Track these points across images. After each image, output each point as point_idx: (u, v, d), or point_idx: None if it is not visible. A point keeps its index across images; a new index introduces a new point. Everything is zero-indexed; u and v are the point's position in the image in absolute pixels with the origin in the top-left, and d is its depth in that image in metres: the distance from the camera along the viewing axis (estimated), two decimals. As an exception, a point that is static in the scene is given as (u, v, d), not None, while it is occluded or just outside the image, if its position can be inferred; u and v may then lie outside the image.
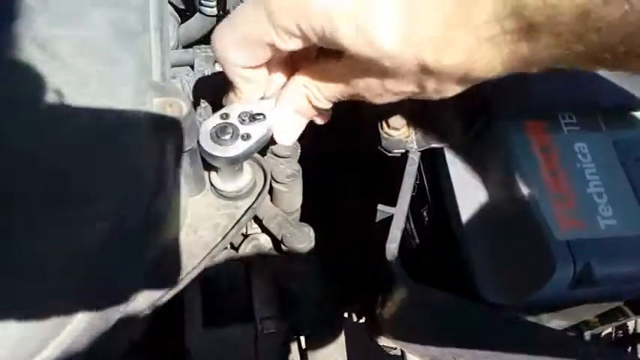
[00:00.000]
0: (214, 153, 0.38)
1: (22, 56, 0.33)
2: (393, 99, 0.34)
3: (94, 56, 0.34)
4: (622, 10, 0.22)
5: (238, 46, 0.34)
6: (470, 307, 0.42)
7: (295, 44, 0.32)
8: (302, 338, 0.86)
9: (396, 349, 0.99)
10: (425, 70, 0.29)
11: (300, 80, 0.37)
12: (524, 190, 0.42)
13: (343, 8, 0.28)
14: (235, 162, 0.40)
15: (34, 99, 0.32)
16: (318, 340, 0.79)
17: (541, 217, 0.40)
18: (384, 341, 1.01)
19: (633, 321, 0.68)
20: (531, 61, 0.27)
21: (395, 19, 0.27)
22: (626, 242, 0.41)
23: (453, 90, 0.31)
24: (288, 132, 0.40)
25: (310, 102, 0.38)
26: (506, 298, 0.42)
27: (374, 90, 0.33)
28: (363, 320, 1.11)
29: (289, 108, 0.39)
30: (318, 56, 0.37)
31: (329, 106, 0.38)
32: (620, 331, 0.69)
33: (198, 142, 0.38)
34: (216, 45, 0.35)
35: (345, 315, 1.12)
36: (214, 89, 0.57)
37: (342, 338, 0.84)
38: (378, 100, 0.34)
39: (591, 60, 0.26)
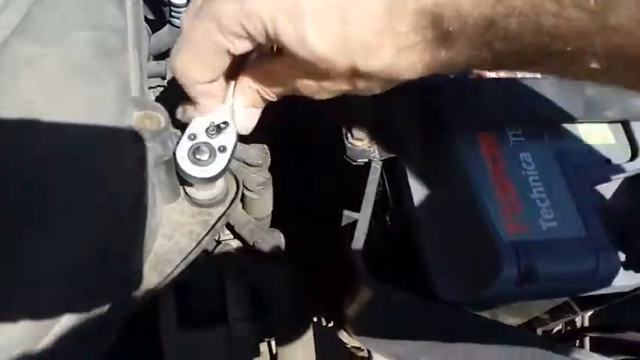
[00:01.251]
0: (203, 176, 0.40)
1: (7, 71, 0.35)
2: (330, 95, 0.37)
3: (77, 74, 0.36)
4: (519, 21, 0.26)
5: (198, 63, 0.36)
6: (428, 305, 0.46)
7: (244, 46, 0.34)
8: (273, 342, 0.89)
9: (363, 350, 1.02)
10: (355, 73, 0.32)
11: (247, 81, 0.39)
12: (475, 196, 0.46)
13: (283, 10, 0.30)
14: (222, 175, 0.41)
15: (17, 114, 0.34)
16: (288, 344, 0.82)
17: (489, 221, 0.45)
18: (351, 343, 1.04)
19: (580, 316, 0.74)
20: (449, 64, 0.30)
21: (329, 27, 0.30)
22: (565, 243, 0.45)
23: (382, 87, 0.35)
24: (246, 123, 0.42)
25: (260, 95, 0.40)
26: (459, 296, 0.46)
27: (311, 88, 0.36)
28: (331, 324, 1.14)
29: (243, 104, 0.41)
30: (261, 57, 0.39)
31: (276, 98, 0.40)
32: (569, 327, 0.75)
33: (181, 171, 0.40)
34: (177, 66, 0.36)
35: (315, 319, 1.15)
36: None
37: (311, 341, 0.87)
38: (317, 97, 0.38)
39: (496, 64, 0.30)
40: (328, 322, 1.18)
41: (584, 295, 0.54)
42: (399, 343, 0.64)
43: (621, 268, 0.49)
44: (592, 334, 0.70)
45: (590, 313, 0.74)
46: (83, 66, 0.37)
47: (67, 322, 0.32)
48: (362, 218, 0.48)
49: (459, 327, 0.49)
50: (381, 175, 0.52)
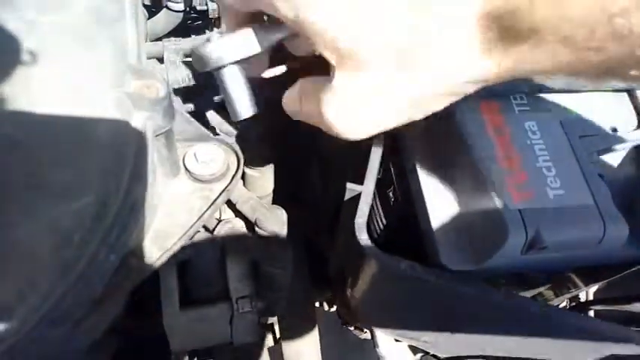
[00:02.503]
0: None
1: (7, 44, 0.34)
2: None
3: (75, 40, 0.35)
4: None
5: None
6: (433, 273, 0.45)
7: None
8: (277, 328, 0.89)
9: (365, 332, 1.02)
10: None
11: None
12: (479, 165, 0.45)
13: None
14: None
15: (17, 79, 0.33)
16: (292, 328, 0.81)
17: (495, 189, 0.44)
18: (353, 326, 1.04)
19: (585, 292, 0.73)
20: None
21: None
22: (572, 211, 0.45)
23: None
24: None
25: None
26: (465, 264, 0.45)
27: None
28: (334, 309, 1.14)
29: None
30: None
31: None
32: (573, 303, 0.74)
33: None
34: None
35: (317, 305, 1.15)
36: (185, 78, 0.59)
37: (314, 326, 0.87)
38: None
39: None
40: (330, 306, 1.18)
41: (591, 265, 0.54)
42: (402, 322, 0.64)
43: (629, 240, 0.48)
44: (596, 308, 0.70)
45: (594, 288, 0.73)
46: (81, 32, 0.36)
47: (69, 289, 0.31)
48: (365, 191, 0.48)
49: (468, 298, 0.48)
50: (384, 147, 0.52)
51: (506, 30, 0.27)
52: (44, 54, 0.34)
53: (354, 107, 0.32)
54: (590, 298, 0.74)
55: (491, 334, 0.54)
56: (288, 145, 0.57)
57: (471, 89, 0.31)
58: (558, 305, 0.75)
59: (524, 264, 0.45)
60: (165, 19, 0.84)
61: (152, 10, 0.96)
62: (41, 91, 0.33)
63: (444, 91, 0.31)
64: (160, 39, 0.84)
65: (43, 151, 0.32)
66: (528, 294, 0.68)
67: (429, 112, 0.33)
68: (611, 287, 0.76)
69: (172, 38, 0.74)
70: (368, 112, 0.32)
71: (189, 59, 0.62)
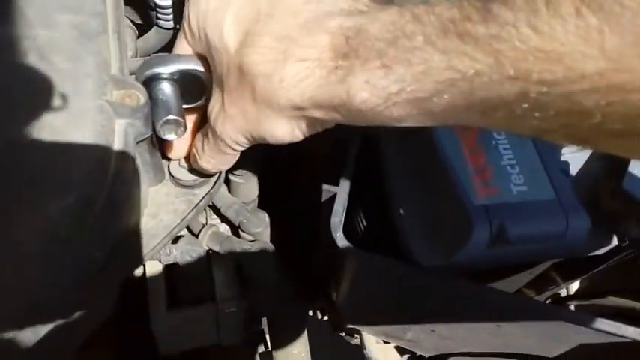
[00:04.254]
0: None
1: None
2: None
3: (59, 54, 0.38)
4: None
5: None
6: (407, 269, 0.47)
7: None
8: (267, 337, 0.91)
9: (356, 337, 1.04)
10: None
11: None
12: (446, 164, 0.48)
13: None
14: None
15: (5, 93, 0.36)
16: (283, 336, 0.83)
17: (461, 186, 0.46)
18: (344, 331, 1.06)
19: (565, 289, 0.75)
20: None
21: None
22: (535, 205, 0.47)
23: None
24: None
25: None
26: (436, 259, 0.47)
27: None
28: (326, 317, 1.16)
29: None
30: None
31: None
32: (551, 300, 0.76)
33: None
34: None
35: (310, 313, 1.17)
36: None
37: (304, 334, 0.88)
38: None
39: None
40: (323, 315, 1.20)
41: (559, 259, 0.56)
42: (385, 320, 0.66)
43: (592, 234, 0.51)
44: (575, 302, 0.72)
45: (574, 284, 0.76)
46: (64, 47, 0.39)
47: (49, 277, 0.33)
48: (340, 191, 0.50)
49: (439, 291, 0.50)
50: (360, 150, 0.54)
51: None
52: (30, 67, 0.37)
53: (222, 114, 0.40)
54: (571, 294, 0.76)
55: (466, 328, 0.56)
56: (271, 152, 0.60)
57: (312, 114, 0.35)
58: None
59: (491, 257, 0.47)
60: (155, 37, 0.87)
61: (143, 28, 0.99)
62: (28, 101, 0.36)
63: (273, 113, 0.36)
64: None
65: (31, 154, 0.35)
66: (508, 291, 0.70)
67: (267, 131, 0.38)
68: (591, 283, 0.78)
69: (160, 54, 0.77)
70: (226, 121, 0.40)
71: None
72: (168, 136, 0.43)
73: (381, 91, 0.29)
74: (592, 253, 0.53)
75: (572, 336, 0.52)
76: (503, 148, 0.50)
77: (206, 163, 0.46)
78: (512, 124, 0.26)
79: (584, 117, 0.23)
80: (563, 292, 0.76)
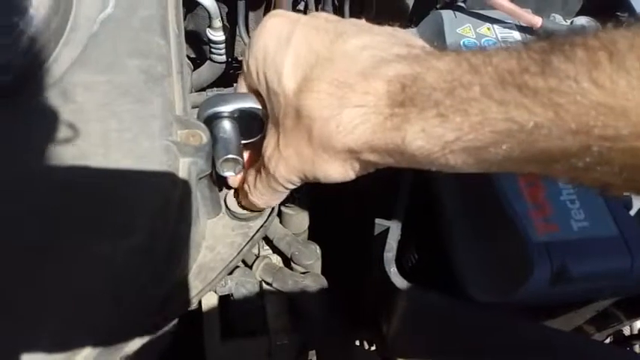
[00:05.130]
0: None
1: (69, 97, 0.40)
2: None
3: (127, 96, 0.40)
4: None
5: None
6: (462, 306, 0.47)
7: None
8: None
9: (405, 370, 1.02)
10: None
11: None
12: (505, 201, 0.47)
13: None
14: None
15: (78, 132, 0.38)
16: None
17: (520, 222, 0.46)
18: (393, 363, 1.04)
19: (629, 326, 0.72)
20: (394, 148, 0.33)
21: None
22: (597, 242, 0.46)
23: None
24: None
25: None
26: (493, 297, 0.46)
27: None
28: (374, 348, 1.14)
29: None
30: None
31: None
32: (613, 337, 0.73)
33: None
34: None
35: (357, 343, 1.15)
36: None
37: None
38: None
39: None
40: (370, 345, 1.18)
41: (624, 296, 0.54)
42: (437, 356, 0.65)
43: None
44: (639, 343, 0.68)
45: (639, 323, 0.72)
46: (133, 90, 0.41)
47: (119, 328, 0.35)
48: (394, 225, 0.50)
49: (495, 331, 0.49)
50: (413, 184, 0.54)
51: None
52: (103, 109, 0.39)
53: (277, 154, 0.41)
54: (635, 332, 0.73)
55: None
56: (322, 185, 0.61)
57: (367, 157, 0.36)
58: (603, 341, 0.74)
59: (552, 296, 0.46)
60: (208, 71, 0.91)
61: (197, 62, 1.03)
62: (99, 141, 0.38)
63: (328, 156, 0.37)
64: (204, 89, 0.91)
65: (99, 195, 0.37)
66: (567, 328, 0.67)
67: (321, 173, 0.39)
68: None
69: (215, 88, 0.80)
70: (280, 161, 0.41)
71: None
72: (227, 173, 0.45)
73: (436, 139, 0.29)
74: (660, 292, 0.50)
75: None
76: (562, 183, 0.49)
77: (257, 199, 0.48)
78: (573, 175, 0.26)
79: None
80: (626, 331, 0.72)
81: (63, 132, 0.38)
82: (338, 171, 0.38)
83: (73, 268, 0.34)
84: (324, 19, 0.39)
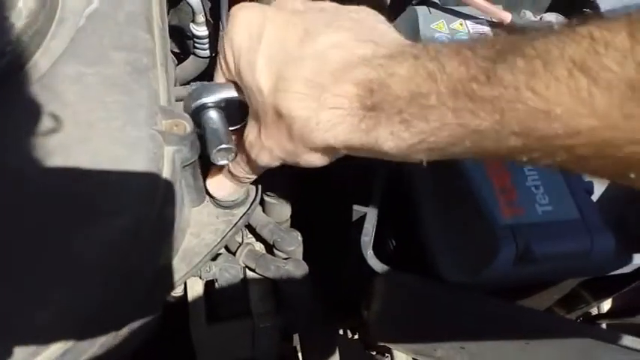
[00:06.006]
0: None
1: (56, 88, 0.41)
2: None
3: (114, 88, 0.42)
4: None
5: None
6: (435, 286, 0.49)
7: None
8: (300, 355, 0.93)
9: (387, 357, 1.05)
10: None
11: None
12: (474, 187, 0.50)
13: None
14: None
15: (65, 123, 0.40)
16: (315, 354, 0.85)
17: (487, 206, 0.48)
18: (375, 350, 1.07)
19: (596, 308, 0.75)
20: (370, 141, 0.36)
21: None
22: (560, 225, 0.49)
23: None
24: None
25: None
26: (462, 276, 0.49)
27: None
28: (357, 336, 1.17)
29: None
30: None
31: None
32: (581, 319, 0.76)
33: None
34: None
35: (341, 332, 1.18)
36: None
37: (336, 352, 0.90)
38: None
39: None
40: (354, 334, 1.21)
41: (586, 277, 0.57)
42: (415, 338, 0.68)
43: (621, 251, 0.52)
44: (606, 321, 0.72)
45: (606, 303, 0.75)
46: (119, 81, 0.43)
47: (109, 288, 0.37)
48: (370, 211, 0.53)
49: (467, 309, 0.52)
50: (389, 171, 0.57)
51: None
52: (91, 99, 0.41)
53: (259, 144, 0.43)
54: (603, 312, 0.76)
55: (495, 346, 0.58)
56: (303, 175, 0.63)
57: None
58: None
59: (517, 275, 0.49)
60: (192, 65, 0.93)
61: (181, 56, 1.04)
62: (88, 130, 0.40)
63: (308, 149, 0.39)
64: (188, 83, 0.93)
65: (89, 180, 0.39)
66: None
67: (302, 161, 0.42)
68: (624, 301, 0.78)
69: (199, 82, 0.81)
70: (263, 150, 0.43)
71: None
72: (222, 162, 0.46)
73: (403, 141, 0.33)
74: (619, 272, 0.54)
75: (602, 355, 0.53)
76: (528, 169, 0.52)
77: (239, 172, 0.50)
78: (523, 165, 0.29)
79: (585, 163, 0.26)
80: (594, 311, 0.76)
81: (52, 121, 0.40)
82: (318, 160, 0.41)
83: (71, 246, 0.36)
84: (291, 10, 0.41)
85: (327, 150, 0.39)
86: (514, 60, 0.26)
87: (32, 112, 0.40)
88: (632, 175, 0.24)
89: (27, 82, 0.41)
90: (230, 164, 0.50)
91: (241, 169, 0.49)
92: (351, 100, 0.35)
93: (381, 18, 0.41)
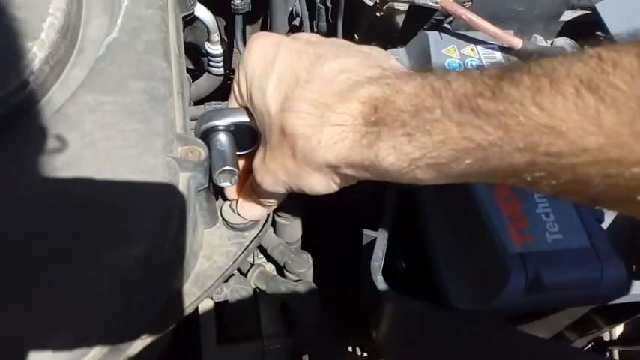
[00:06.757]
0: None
1: (75, 117, 0.43)
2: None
3: (132, 116, 0.43)
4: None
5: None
6: (444, 313, 0.50)
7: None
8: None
9: (396, 375, 1.05)
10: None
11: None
12: (484, 215, 0.50)
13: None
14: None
15: (83, 152, 0.41)
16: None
17: (497, 234, 0.49)
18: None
19: (608, 333, 0.75)
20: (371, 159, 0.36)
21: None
22: (570, 253, 0.49)
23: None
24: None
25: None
26: (472, 304, 0.49)
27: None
28: (366, 354, 1.17)
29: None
30: None
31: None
32: (593, 343, 0.76)
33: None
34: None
35: (350, 349, 1.18)
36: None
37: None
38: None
39: None
40: (363, 351, 1.21)
41: (595, 305, 0.57)
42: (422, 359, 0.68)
43: (632, 279, 0.52)
44: (619, 348, 0.71)
45: (618, 328, 0.75)
46: (137, 110, 0.44)
47: (122, 318, 0.38)
48: (380, 236, 0.53)
49: (475, 335, 0.52)
50: (397, 198, 0.57)
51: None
52: (109, 127, 0.42)
53: (264, 168, 0.44)
54: (614, 338, 0.76)
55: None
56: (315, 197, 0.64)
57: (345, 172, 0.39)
58: (583, 347, 0.77)
59: (527, 303, 0.49)
60: (206, 82, 0.94)
61: (195, 73, 1.06)
62: (107, 158, 0.41)
63: (310, 169, 0.40)
64: (202, 100, 0.94)
65: (107, 207, 0.40)
66: (549, 334, 0.70)
67: (306, 185, 0.42)
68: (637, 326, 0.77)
69: (213, 102, 0.83)
70: (267, 174, 0.44)
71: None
72: (224, 184, 0.48)
73: (405, 156, 0.33)
74: (630, 300, 0.53)
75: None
76: (538, 197, 0.52)
77: (249, 207, 0.52)
78: (526, 187, 0.29)
79: (589, 185, 0.25)
80: (606, 336, 0.75)
81: (72, 149, 0.41)
82: (320, 183, 0.41)
83: (86, 273, 0.37)
84: (305, 41, 0.43)
85: (329, 172, 0.40)
86: (520, 77, 0.26)
87: (51, 140, 0.42)
88: (639, 198, 0.24)
89: (47, 111, 0.43)
90: (243, 198, 0.51)
91: (251, 201, 0.50)
92: (355, 117, 0.36)
93: (390, 55, 0.42)
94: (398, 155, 0.33)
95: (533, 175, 0.27)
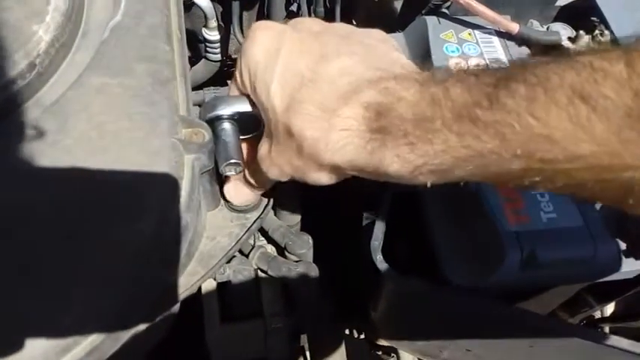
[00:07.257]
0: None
1: (82, 100, 0.43)
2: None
3: (137, 99, 0.44)
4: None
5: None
6: (442, 290, 0.51)
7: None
8: (307, 354, 0.95)
9: (393, 357, 1.07)
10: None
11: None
12: (481, 195, 0.52)
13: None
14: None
15: (90, 133, 0.42)
16: (322, 353, 0.87)
17: (494, 214, 0.50)
18: (381, 350, 1.08)
19: (600, 311, 0.77)
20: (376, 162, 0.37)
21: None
22: (564, 232, 0.51)
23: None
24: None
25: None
26: (469, 281, 0.51)
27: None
28: (363, 336, 1.19)
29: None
30: None
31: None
32: (585, 322, 0.78)
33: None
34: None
35: (347, 332, 1.20)
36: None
37: (343, 351, 0.92)
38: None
39: None
40: (360, 333, 1.23)
41: (589, 283, 0.58)
42: (421, 338, 0.70)
43: (622, 257, 0.53)
44: (609, 325, 0.73)
45: (609, 306, 0.77)
46: (142, 92, 0.45)
47: (131, 292, 0.39)
48: (380, 217, 0.54)
49: (472, 312, 0.54)
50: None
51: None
52: (116, 110, 0.43)
53: (270, 159, 0.45)
54: (606, 316, 0.78)
55: (500, 348, 0.59)
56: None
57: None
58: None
59: (522, 280, 0.51)
60: (204, 69, 0.94)
61: (192, 60, 1.06)
62: (114, 139, 0.42)
63: (317, 167, 0.41)
64: (199, 86, 0.94)
65: (116, 185, 0.41)
66: (542, 312, 0.72)
67: (310, 178, 0.43)
68: (628, 305, 0.79)
69: (212, 87, 0.83)
70: (273, 166, 0.45)
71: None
72: (229, 174, 0.49)
73: (408, 164, 0.34)
74: (623, 277, 0.55)
75: (604, 357, 0.54)
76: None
77: (252, 182, 0.52)
78: (525, 188, 0.30)
79: (584, 188, 0.27)
80: (597, 315, 0.77)
81: (79, 130, 0.42)
82: (324, 178, 0.43)
83: (96, 249, 0.38)
84: (308, 30, 0.43)
85: (333, 169, 0.41)
86: (516, 86, 0.28)
87: (59, 120, 0.42)
88: (631, 201, 0.25)
89: (55, 93, 0.43)
90: (246, 173, 0.52)
91: (254, 180, 0.51)
92: (359, 122, 0.37)
93: (391, 42, 0.43)
94: (402, 163, 0.34)
95: (531, 179, 0.29)
